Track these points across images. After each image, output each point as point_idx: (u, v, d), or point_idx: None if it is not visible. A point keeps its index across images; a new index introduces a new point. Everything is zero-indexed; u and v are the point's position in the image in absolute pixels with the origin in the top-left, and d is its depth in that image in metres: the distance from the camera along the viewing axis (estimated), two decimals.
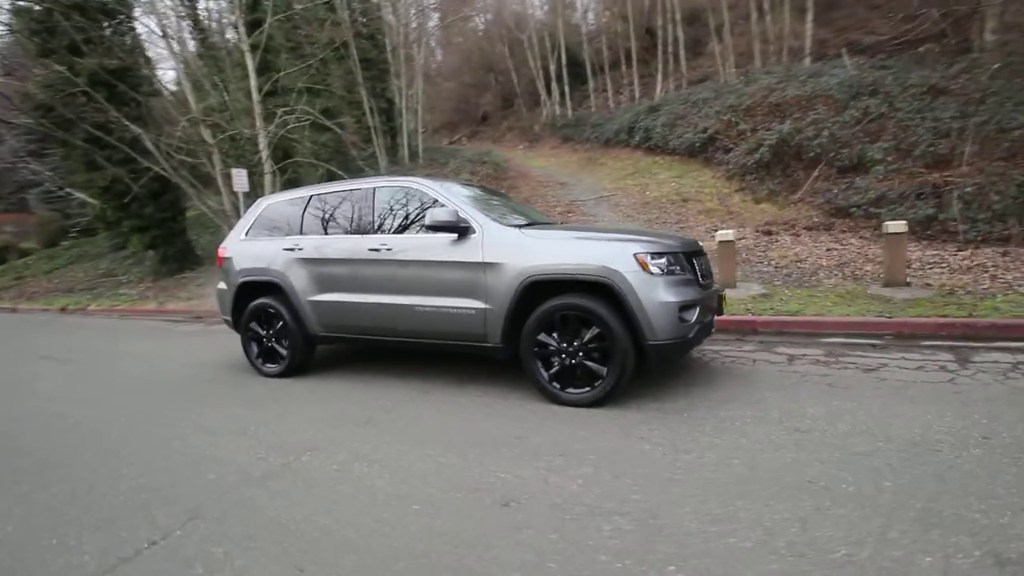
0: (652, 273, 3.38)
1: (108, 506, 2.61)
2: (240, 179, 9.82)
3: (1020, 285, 5.46)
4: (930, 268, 6.37)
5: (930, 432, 2.83)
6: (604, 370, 3.45)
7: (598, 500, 2.33)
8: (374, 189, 4.47)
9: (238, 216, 12.69)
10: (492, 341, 3.84)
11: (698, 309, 3.52)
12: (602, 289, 3.45)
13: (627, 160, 16.07)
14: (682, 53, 20.17)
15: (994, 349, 4.26)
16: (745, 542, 1.98)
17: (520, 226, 3.99)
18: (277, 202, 5.08)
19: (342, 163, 15.76)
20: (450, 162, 16.68)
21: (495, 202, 4.56)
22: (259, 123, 12.61)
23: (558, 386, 3.59)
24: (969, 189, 6.77)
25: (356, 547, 2.12)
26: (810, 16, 17.49)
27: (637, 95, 21.47)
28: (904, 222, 5.96)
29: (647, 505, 2.26)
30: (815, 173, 10.57)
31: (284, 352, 4.81)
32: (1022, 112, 7.50)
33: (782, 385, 3.75)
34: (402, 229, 4.27)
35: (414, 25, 20.72)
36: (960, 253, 6.52)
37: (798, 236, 8.78)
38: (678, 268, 3.52)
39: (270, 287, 4.83)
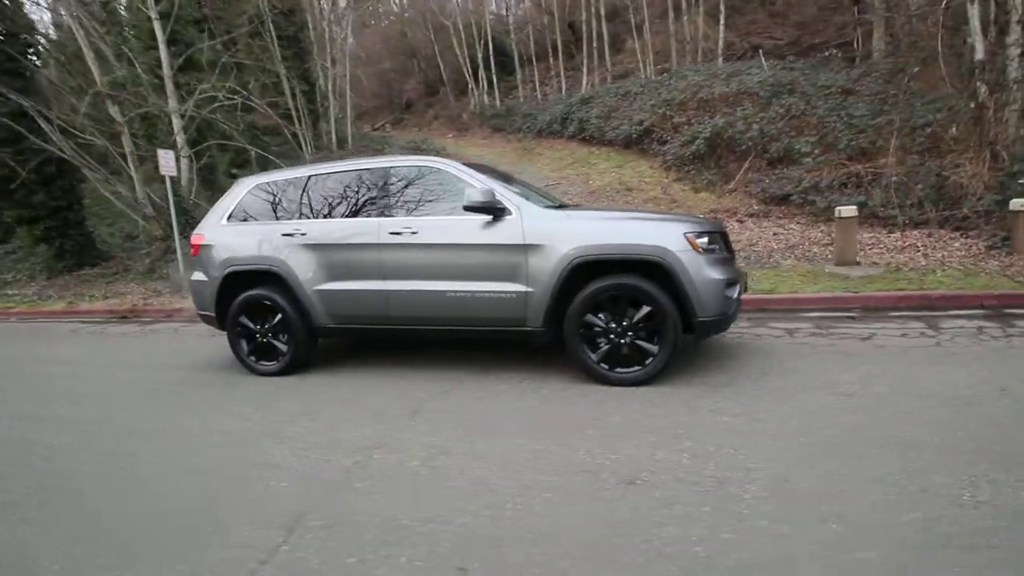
0: (699, 252, 3.48)
1: (190, 531, 2.25)
2: (167, 162, 8.81)
3: (950, 261, 6.25)
4: (870, 249, 7.11)
5: (957, 388, 3.18)
6: (655, 349, 3.51)
7: (720, 471, 2.38)
8: (388, 168, 4.20)
9: (152, 205, 11.43)
10: (532, 325, 3.77)
11: (737, 286, 3.68)
12: (652, 268, 3.50)
13: (563, 150, 16.36)
14: (606, 49, 20.78)
15: (953, 317, 4.84)
16: (887, 494, 2.11)
17: (555, 207, 3.95)
18: (265, 183, 4.62)
19: (261, 148, 14.65)
20: (384, 149, 16.05)
21: (514, 184, 4.46)
22: (172, 101, 11.39)
23: (606, 367, 3.61)
24: (895, 179, 7.62)
25: (508, 540, 2.01)
26: (722, 20, 18.69)
27: (564, 87, 21.85)
28: (855, 207, 6.61)
29: (771, 471, 2.35)
30: (746, 165, 11.39)
31: (283, 348, 4.41)
32: (931, 111, 8.54)
33: (800, 355, 4.03)
34: (426, 211, 4.05)
35: (330, 4, 19.62)
36: (892, 235, 7.35)
37: (743, 222, 9.43)
38: (716, 247, 3.65)
39: (266, 276, 4.40)
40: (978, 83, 7.94)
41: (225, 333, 4.60)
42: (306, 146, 17.12)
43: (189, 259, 4.95)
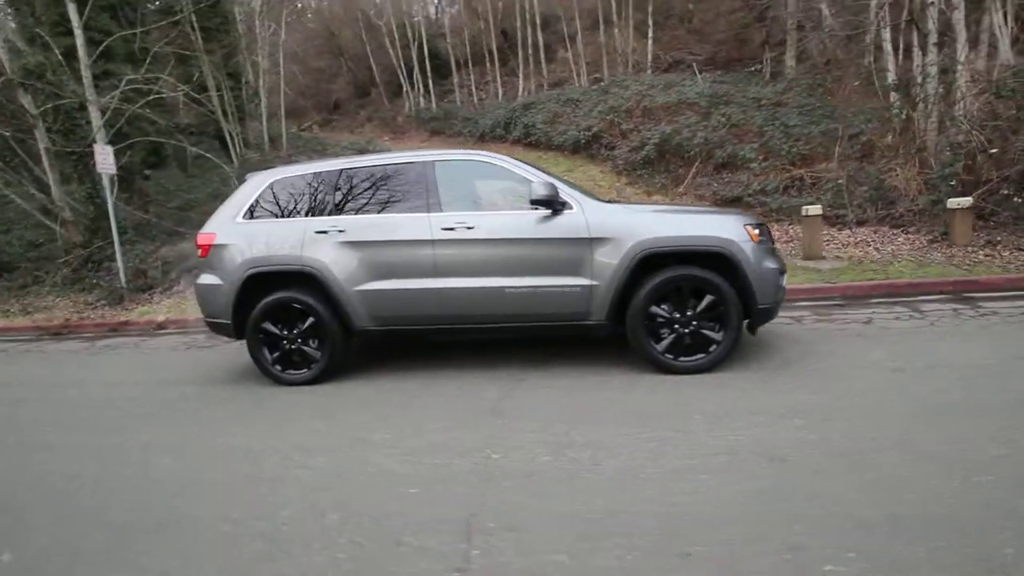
0: (757, 243, 3.69)
1: (373, 545, 2.05)
2: (104, 158, 7.88)
3: (900, 253, 7.03)
4: (828, 244, 7.82)
5: (977, 359, 3.59)
6: (719, 337, 3.67)
7: (850, 443, 2.54)
8: (434, 163, 4.07)
9: (71, 210, 10.20)
10: (595, 318, 3.80)
11: (784, 275, 3.94)
12: (715, 259, 3.66)
13: (510, 154, 16.45)
14: (542, 57, 21.25)
15: (925, 301, 5.44)
16: (1007, 447, 2.37)
17: (605, 202, 4.01)
18: (289, 177, 4.30)
19: (182, 146, 13.57)
20: (327, 149, 15.37)
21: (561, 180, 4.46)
22: (90, 92, 10.24)
23: (671, 356, 3.72)
24: (840, 181, 8.45)
25: (710, 522, 2.02)
26: (650, 34, 19.75)
27: (501, 93, 22.06)
28: (820, 207, 7.25)
29: (898, 442, 2.53)
30: (693, 169, 12.10)
31: (315, 354, 4.11)
32: (862, 122, 9.56)
33: (822, 340, 4.36)
34: (478, 205, 3.97)
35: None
36: (843, 232, 8.14)
37: None
38: (765, 238, 3.89)
39: (296, 278, 4.08)
40: (901, 98, 9.02)
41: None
42: (234, 145, 16.01)
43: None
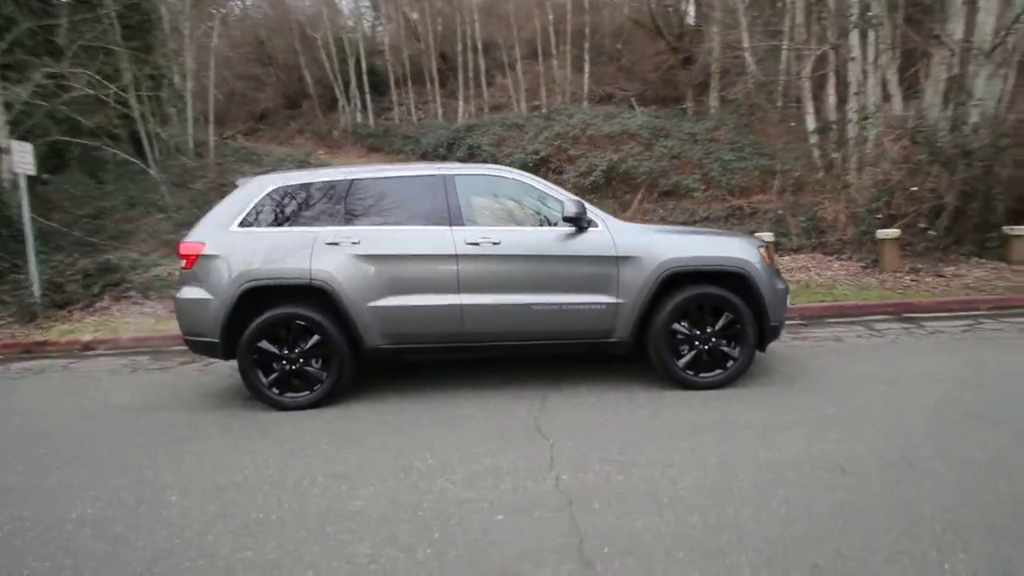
0: (769, 264, 3.91)
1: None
2: (23, 156, 6.94)
3: (839, 279, 7.73)
4: None
5: (954, 371, 4.00)
6: (736, 353, 3.82)
7: (898, 455, 2.70)
8: (454, 176, 3.96)
9: None
10: (619, 336, 3.83)
11: (788, 295, 4.19)
12: (733, 279, 3.82)
13: None
14: (483, 81, 21.55)
15: (875, 321, 6.00)
16: None
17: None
18: (292, 184, 4.00)
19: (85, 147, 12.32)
20: (263, 160, 14.54)
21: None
22: None
23: (692, 372, 3.81)
24: (781, 211, 9.20)
25: (822, 533, 2.07)
26: (587, 68, 20.67)
27: (440, 113, 22.06)
28: (771, 233, 7.83)
29: (937, 451, 2.73)
30: (639, 196, 12.70)
31: (319, 375, 3.80)
32: (791, 160, 10.50)
33: (811, 356, 4.65)
34: (500, 221, 3.90)
35: None
36: (784, 258, 8.83)
37: None
38: (772, 260, 4.13)
39: (300, 292, 3.77)
40: (823, 141, 10.03)
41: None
42: (152, 151, 14.72)
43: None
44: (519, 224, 3.92)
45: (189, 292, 3.87)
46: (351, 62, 21.73)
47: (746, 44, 15.39)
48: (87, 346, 6.52)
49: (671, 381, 3.84)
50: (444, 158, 17.98)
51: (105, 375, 5.20)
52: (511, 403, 3.70)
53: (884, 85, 9.02)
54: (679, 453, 2.81)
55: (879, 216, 8.04)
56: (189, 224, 10.30)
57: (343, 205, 3.91)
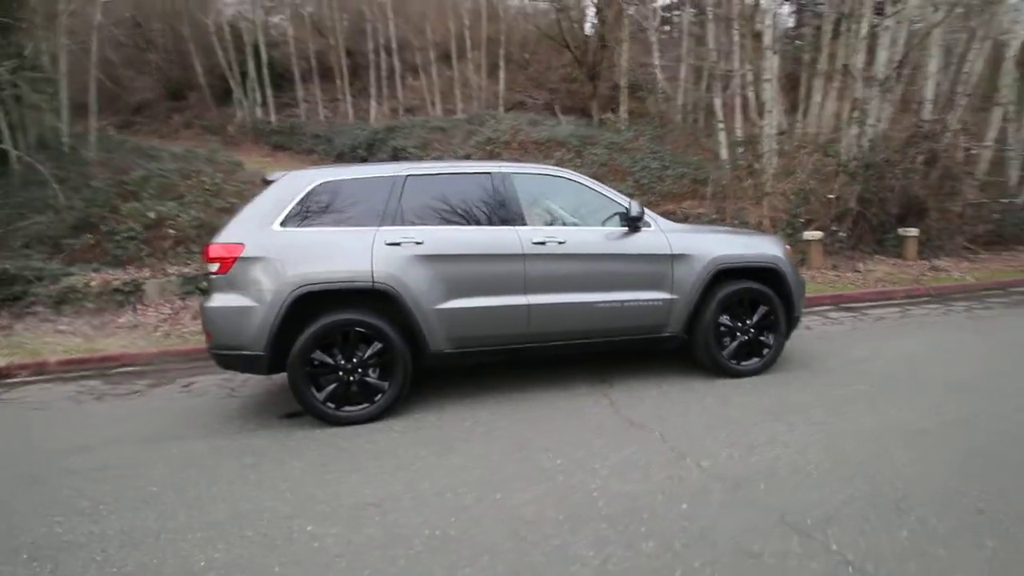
0: (791, 260, 4.34)
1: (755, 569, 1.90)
2: None
3: None
4: None
5: (920, 349, 4.71)
6: (771, 342, 4.19)
7: (959, 417, 3.17)
8: (511, 175, 3.91)
9: None
10: (671, 331, 4.03)
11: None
12: (768, 274, 4.18)
13: None
14: (397, 82, 21.06)
15: (824, 311, 6.83)
16: None
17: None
18: (341, 180, 3.70)
19: None
20: (162, 156, 12.95)
21: None
22: None
23: (735, 361, 4.12)
24: (715, 216, 10.09)
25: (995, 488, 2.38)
26: (502, 75, 21.04)
27: (351, 113, 21.17)
28: None
29: (979, 411, 3.23)
30: None
31: (382, 385, 3.55)
32: (716, 169, 11.53)
33: (805, 343, 5.16)
34: (559, 220, 3.92)
35: None
36: None
37: None
38: None
39: (360, 296, 3.50)
40: (741, 152, 11.18)
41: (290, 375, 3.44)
42: (15, 144, 12.50)
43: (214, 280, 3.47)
44: (574, 224, 3.97)
45: (226, 300, 3.42)
46: (249, 53, 20.10)
47: (656, 62, 16.67)
48: (3, 373, 5.42)
49: (713, 370, 4.10)
50: (364, 160, 17.31)
51: (67, 405, 4.38)
52: (575, 400, 3.75)
53: (795, 104, 10.25)
54: (783, 432, 3.05)
55: (803, 221, 9.13)
56: (87, 226, 8.96)
57: (398, 203, 3.68)
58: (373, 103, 21.03)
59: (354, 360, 3.51)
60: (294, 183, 3.65)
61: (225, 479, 2.84)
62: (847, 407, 3.40)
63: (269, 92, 20.58)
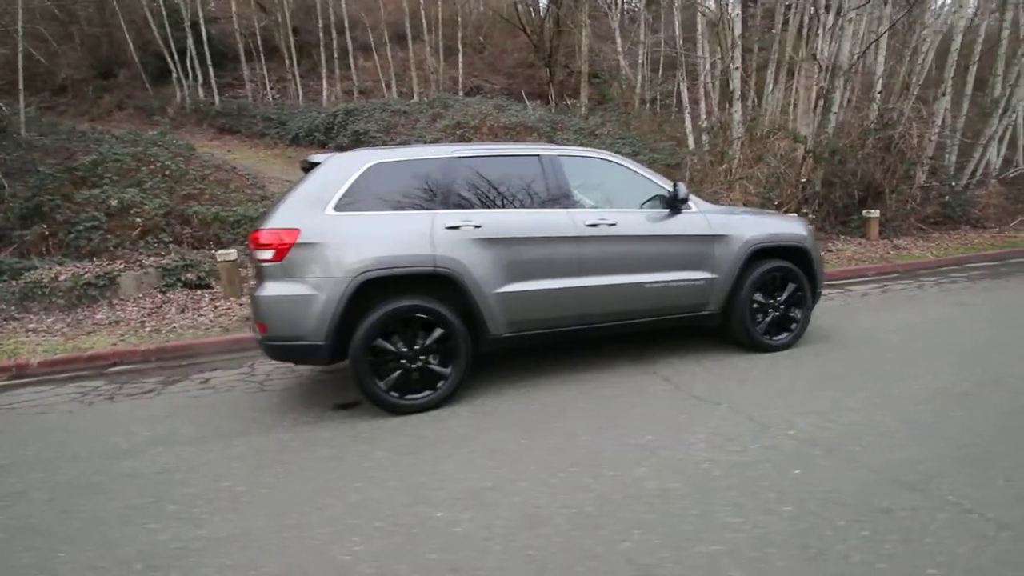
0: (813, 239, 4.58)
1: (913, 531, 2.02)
2: None
3: None
4: None
5: (944, 316, 5.12)
6: (799, 316, 4.42)
7: (1001, 375, 3.48)
8: (560, 158, 3.90)
9: None
10: (711, 309, 4.18)
11: None
12: (795, 253, 4.39)
13: None
14: (351, 62, 20.30)
15: (839, 287, 7.21)
16: None
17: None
18: (395, 161, 3.57)
19: None
20: (104, 139, 12.00)
21: None
22: None
23: (768, 336, 4.32)
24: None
25: None
26: (461, 57, 20.71)
27: (301, 94, 20.25)
28: None
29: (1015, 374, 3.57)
30: None
31: (444, 372, 3.49)
32: (690, 154, 11.89)
33: (832, 314, 5.50)
34: (608, 202, 3.95)
35: None
36: None
37: None
38: None
39: (421, 281, 3.41)
40: (712, 139, 11.58)
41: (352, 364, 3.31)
42: None
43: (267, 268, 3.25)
44: (620, 206, 4.01)
45: (282, 288, 3.24)
46: (188, 28, 18.77)
47: (619, 48, 16.90)
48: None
49: (748, 346, 4.29)
50: (321, 144, 16.63)
51: (77, 407, 4.03)
52: (630, 379, 3.84)
53: (760, 93, 10.70)
54: (842, 399, 3.25)
55: (775, 203, 9.59)
56: (37, 216, 8.17)
57: (452, 185, 3.60)
58: (324, 84, 20.20)
59: (416, 347, 3.43)
60: (344, 165, 3.49)
61: (312, 473, 2.73)
62: (885, 374, 3.66)
63: (211, 71, 19.33)
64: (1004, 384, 3.37)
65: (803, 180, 9.31)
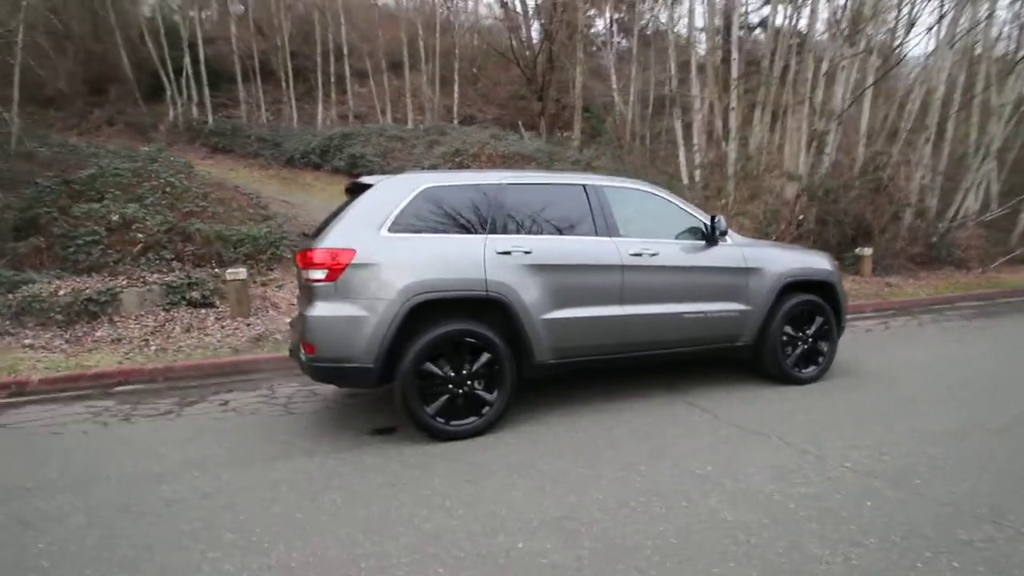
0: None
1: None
2: None
3: None
4: None
5: (969, 348, 5.27)
6: (826, 349, 4.50)
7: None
8: (604, 188, 3.96)
9: None
10: (744, 340, 4.24)
11: None
12: (822, 287, 4.50)
13: (341, 184, 15.28)
14: (348, 87, 20.49)
15: None
16: None
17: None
18: (447, 185, 3.57)
19: None
20: (100, 155, 11.78)
21: None
22: None
23: (798, 369, 4.39)
24: None
25: None
26: (456, 88, 21.07)
27: (295, 117, 20.29)
28: None
29: None
30: None
31: (491, 397, 3.45)
32: (688, 189, 12.17)
33: (845, 350, 5.61)
34: (648, 233, 4.00)
35: None
36: None
37: None
38: None
39: (470, 305, 3.39)
40: (705, 175, 11.92)
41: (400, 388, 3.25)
42: None
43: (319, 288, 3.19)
44: (660, 236, 4.07)
45: (334, 309, 3.19)
46: (185, 48, 18.75)
47: (614, 85, 17.42)
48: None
49: (779, 378, 4.33)
50: (316, 166, 16.63)
51: (92, 428, 3.84)
52: (667, 408, 3.86)
53: (763, 132, 11.10)
54: (884, 433, 3.30)
55: (774, 238, 9.86)
56: (31, 228, 7.93)
57: (501, 211, 3.62)
58: (320, 108, 20.29)
59: (463, 372, 3.38)
60: (397, 188, 3.48)
61: (370, 499, 2.64)
62: (916, 409, 3.74)
63: (207, 91, 19.27)
64: None
65: (800, 217, 9.60)
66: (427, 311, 3.28)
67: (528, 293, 3.50)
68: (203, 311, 6.79)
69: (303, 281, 3.40)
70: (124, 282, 6.78)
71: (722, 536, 2.23)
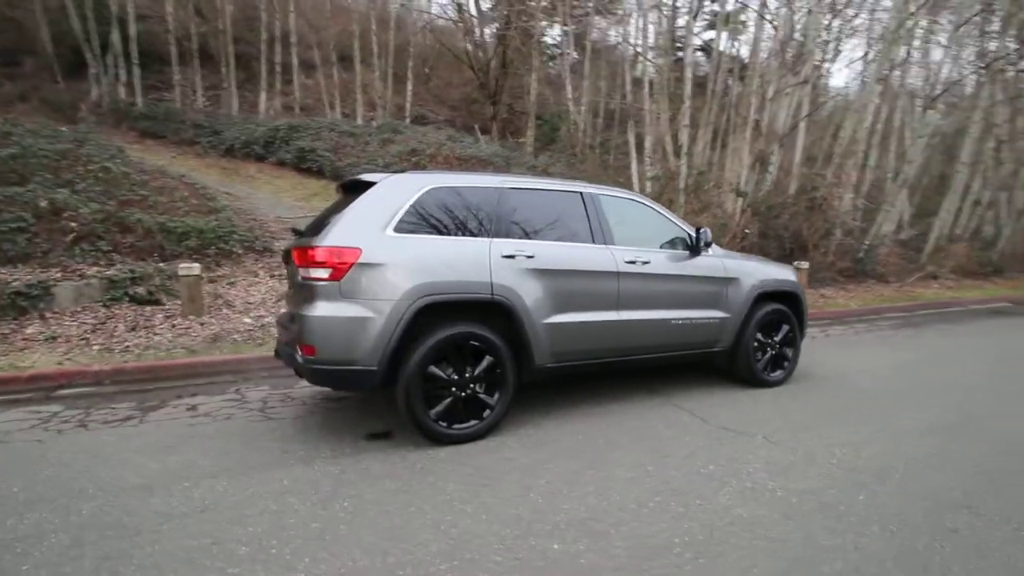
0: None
1: None
2: None
3: None
4: None
5: (909, 354, 5.75)
6: (791, 354, 4.81)
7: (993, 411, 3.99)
8: (599, 196, 4.04)
9: None
10: (722, 346, 4.46)
11: None
12: (787, 297, 4.81)
13: (286, 178, 14.78)
14: (294, 77, 19.70)
15: None
16: None
17: None
18: (452, 186, 3.53)
19: None
20: (18, 134, 10.67)
21: None
22: None
23: (767, 373, 4.66)
24: None
25: None
26: (410, 85, 20.77)
27: (235, 104, 19.25)
28: None
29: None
30: None
31: (491, 400, 3.44)
32: None
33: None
34: (636, 242, 4.12)
35: None
36: None
37: None
38: None
39: (474, 309, 3.37)
40: (662, 185, 12.40)
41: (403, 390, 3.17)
42: None
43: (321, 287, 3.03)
44: (648, 245, 4.21)
45: (336, 309, 3.07)
46: (114, 22, 17.37)
47: (570, 95, 17.77)
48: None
49: (749, 381, 4.60)
50: (259, 158, 15.84)
51: (45, 435, 3.49)
52: (656, 411, 3.99)
53: (705, 148, 11.69)
54: (857, 432, 3.57)
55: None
56: None
57: (504, 215, 3.62)
58: (263, 97, 19.36)
59: (466, 375, 3.35)
60: (403, 187, 3.40)
61: (387, 506, 2.56)
62: (882, 408, 4.08)
63: (136, 70, 17.93)
64: (990, 420, 3.87)
65: (745, 231, 10.18)
66: (431, 313, 3.23)
67: (530, 297, 3.52)
68: (148, 308, 6.32)
69: (299, 280, 3.25)
70: (58, 274, 6.19)
71: (742, 532, 2.35)
